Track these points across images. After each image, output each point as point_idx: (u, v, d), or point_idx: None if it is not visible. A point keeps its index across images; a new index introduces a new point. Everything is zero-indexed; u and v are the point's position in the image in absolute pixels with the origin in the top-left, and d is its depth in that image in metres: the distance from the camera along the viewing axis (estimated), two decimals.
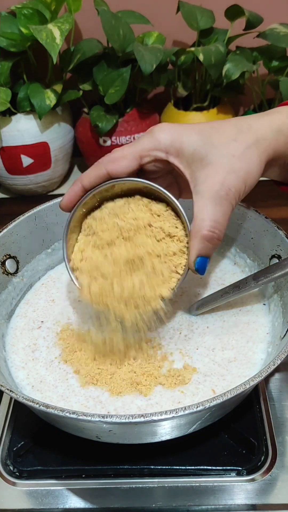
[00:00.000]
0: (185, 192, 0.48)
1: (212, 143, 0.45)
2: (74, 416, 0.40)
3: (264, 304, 0.58)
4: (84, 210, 0.51)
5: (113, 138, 0.87)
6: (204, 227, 0.45)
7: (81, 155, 0.95)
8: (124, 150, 0.47)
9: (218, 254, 0.66)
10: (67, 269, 0.52)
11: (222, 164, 0.44)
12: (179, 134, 0.46)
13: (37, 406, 0.41)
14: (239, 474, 0.51)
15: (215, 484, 0.50)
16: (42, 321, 0.59)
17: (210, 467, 0.51)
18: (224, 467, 0.51)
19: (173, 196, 0.48)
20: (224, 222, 0.46)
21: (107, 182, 0.48)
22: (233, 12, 0.81)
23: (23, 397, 0.42)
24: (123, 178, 0.48)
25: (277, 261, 0.57)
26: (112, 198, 0.50)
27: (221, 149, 0.45)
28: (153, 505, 0.49)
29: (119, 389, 0.49)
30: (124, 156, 0.47)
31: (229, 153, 0.44)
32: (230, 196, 0.45)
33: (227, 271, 0.64)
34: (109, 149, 0.88)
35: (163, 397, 0.49)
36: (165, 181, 0.51)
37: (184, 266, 0.49)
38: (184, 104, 0.91)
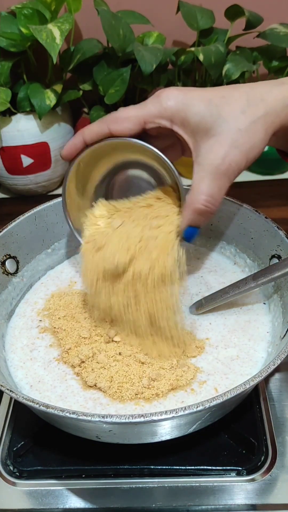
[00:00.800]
0: (187, 151, 0.49)
1: (219, 115, 0.44)
2: (74, 416, 0.40)
3: (264, 304, 0.58)
4: (82, 164, 0.52)
5: None
6: (199, 201, 0.46)
7: None
8: (130, 112, 0.47)
9: (218, 253, 0.66)
10: (67, 220, 0.57)
11: (227, 137, 0.44)
12: (186, 103, 0.45)
13: (37, 406, 0.41)
14: (239, 474, 0.51)
15: (215, 484, 0.50)
16: (40, 320, 0.59)
17: (210, 467, 0.51)
18: (224, 467, 0.51)
19: (172, 164, 0.49)
20: (219, 197, 0.46)
21: (106, 140, 0.49)
22: (233, 12, 0.81)
23: (23, 397, 0.42)
24: (123, 138, 0.48)
25: (277, 261, 0.57)
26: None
27: (228, 121, 0.44)
28: (153, 505, 0.49)
29: (122, 397, 0.49)
30: (128, 118, 0.47)
31: (235, 126, 0.44)
32: (229, 171, 0.45)
33: (227, 270, 0.64)
34: None
35: (166, 397, 0.49)
36: (167, 141, 0.51)
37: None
38: None
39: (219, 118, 0.44)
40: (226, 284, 0.57)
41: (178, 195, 0.51)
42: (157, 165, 0.52)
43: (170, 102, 0.45)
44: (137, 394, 0.49)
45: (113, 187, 0.58)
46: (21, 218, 0.61)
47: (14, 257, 0.61)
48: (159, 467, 0.51)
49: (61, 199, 0.63)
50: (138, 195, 0.55)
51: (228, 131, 0.44)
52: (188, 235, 0.49)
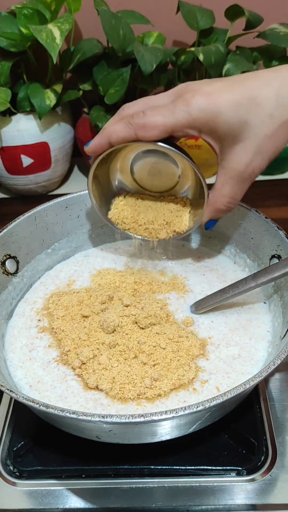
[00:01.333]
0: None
1: (246, 121, 0.45)
2: (74, 416, 0.40)
3: (265, 303, 0.58)
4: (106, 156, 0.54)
5: None
6: (221, 202, 0.51)
7: (81, 155, 0.95)
8: (158, 120, 0.47)
9: (219, 253, 0.67)
10: (98, 211, 0.60)
11: (253, 144, 0.46)
12: (215, 112, 0.45)
13: (37, 406, 0.41)
14: (239, 474, 0.51)
15: (215, 484, 0.50)
16: (39, 320, 0.59)
17: (210, 467, 0.51)
18: (224, 467, 0.51)
19: (195, 165, 0.51)
20: (240, 198, 0.51)
21: (131, 143, 0.50)
22: (233, 12, 0.81)
23: (23, 397, 0.42)
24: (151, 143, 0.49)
25: (277, 261, 0.57)
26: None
27: (255, 127, 0.45)
28: (153, 505, 0.49)
29: (124, 398, 0.49)
30: (156, 127, 0.47)
31: (262, 133, 0.45)
32: (252, 177, 0.48)
33: (228, 269, 0.64)
34: None
35: (168, 396, 0.49)
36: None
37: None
38: None
39: (246, 125, 0.45)
40: (228, 282, 0.57)
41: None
42: (182, 163, 0.56)
43: (199, 113, 0.46)
44: (139, 395, 0.49)
45: (135, 164, 0.60)
46: (21, 218, 0.61)
47: (14, 257, 0.61)
48: (159, 467, 0.51)
49: (60, 199, 0.63)
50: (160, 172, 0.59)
51: (254, 138, 0.45)
52: (209, 225, 0.55)
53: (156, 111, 0.47)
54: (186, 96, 0.46)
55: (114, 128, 0.49)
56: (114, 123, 0.49)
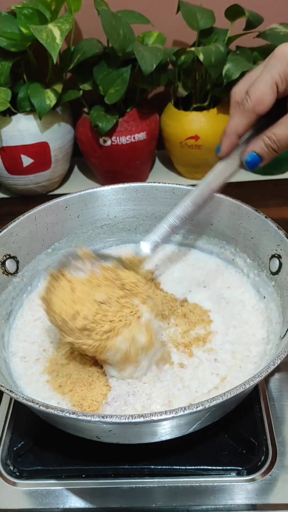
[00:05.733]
0: None
1: None
2: (74, 416, 0.40)
3: (264, 297, 0.59)
4: None
5: (113, 138, 0.87)
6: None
7: (81, 155, 0.95)
8: (262, 89, 0.48)
9: (218, 253, 0.66)
10: None
11: None
12: None
13: (37, 406, 0.41)
14: (239, 474, 0.51)
15: (215, 484, 0.50)
16: (43, 321, 0.59)
17: (210, 467, 0.51)
18: (224, 467, 0.51)
19: None
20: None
21: None
22: (233, 12, 0.81)
23: (23, 397, 0.42)
24: None
25: (277, 261, 0.56)
26: None
27: None
28: (153, 505, 0.49)
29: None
30: (264, 96, 0.48)
31: None
32: None
33: (227, 269, 0.64)
34: (109, 149, 0.88)
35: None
36: None
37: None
38: (184, 104, 0.91)
39: None
40: (230, 282, 0.59)
41: None
42: None
43: None
44: None
45: None
46: (21, 218, 0.61)
47: (14, 257, 0.61)
48: (159, 467, 0.51)
49: (60, 199, 0.63)
50: None
51: None
52: (251, 160, 0.52)
53: (257, 83, 0.48)
54: (275, 53, 0.48)
55: (234, 122, 0.51)
56: (232, 119, 0.51)
